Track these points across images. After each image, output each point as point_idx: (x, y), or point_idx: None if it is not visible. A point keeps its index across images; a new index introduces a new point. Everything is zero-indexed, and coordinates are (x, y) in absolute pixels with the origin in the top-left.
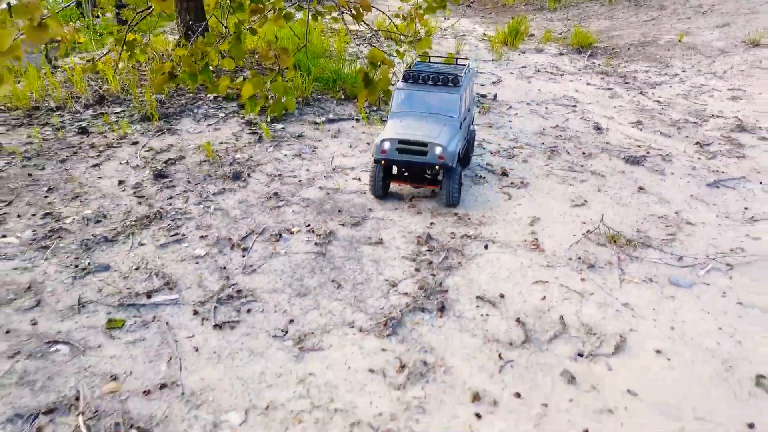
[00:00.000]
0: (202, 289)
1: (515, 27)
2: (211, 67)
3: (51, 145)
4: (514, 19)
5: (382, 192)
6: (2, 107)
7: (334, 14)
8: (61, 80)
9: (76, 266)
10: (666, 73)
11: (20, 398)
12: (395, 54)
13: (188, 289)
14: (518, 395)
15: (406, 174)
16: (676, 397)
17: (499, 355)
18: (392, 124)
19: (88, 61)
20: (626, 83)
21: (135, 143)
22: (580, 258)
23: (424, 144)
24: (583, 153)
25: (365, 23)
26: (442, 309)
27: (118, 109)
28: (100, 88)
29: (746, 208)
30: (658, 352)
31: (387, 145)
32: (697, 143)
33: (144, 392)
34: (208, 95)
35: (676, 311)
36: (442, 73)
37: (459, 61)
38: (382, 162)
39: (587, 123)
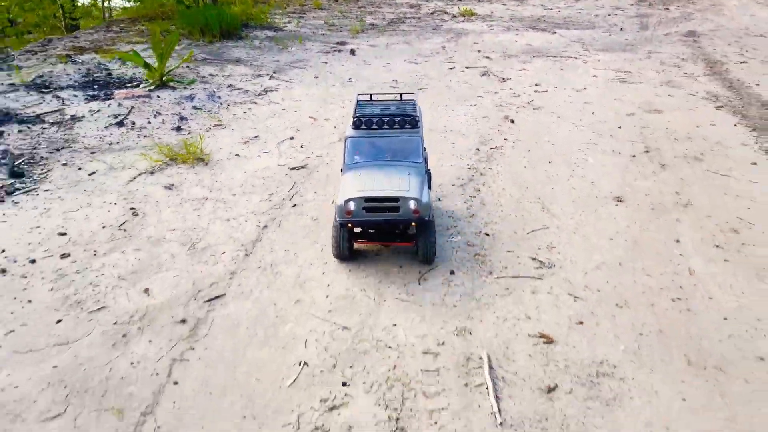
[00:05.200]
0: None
1: None
2: None
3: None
4: None
5: (348, 254)
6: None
7: None
8: None
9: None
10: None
11: None
12: None
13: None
14: None
15: (372, 232)
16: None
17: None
18: (351, 178)
19: None
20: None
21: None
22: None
23: (396, 199)
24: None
25: None
26: None
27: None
28: None
29: (517, 40)
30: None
31: (352, 206)
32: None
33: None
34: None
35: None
36: (397, 114)
37: (404, 97)
38: (349, 225)
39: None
